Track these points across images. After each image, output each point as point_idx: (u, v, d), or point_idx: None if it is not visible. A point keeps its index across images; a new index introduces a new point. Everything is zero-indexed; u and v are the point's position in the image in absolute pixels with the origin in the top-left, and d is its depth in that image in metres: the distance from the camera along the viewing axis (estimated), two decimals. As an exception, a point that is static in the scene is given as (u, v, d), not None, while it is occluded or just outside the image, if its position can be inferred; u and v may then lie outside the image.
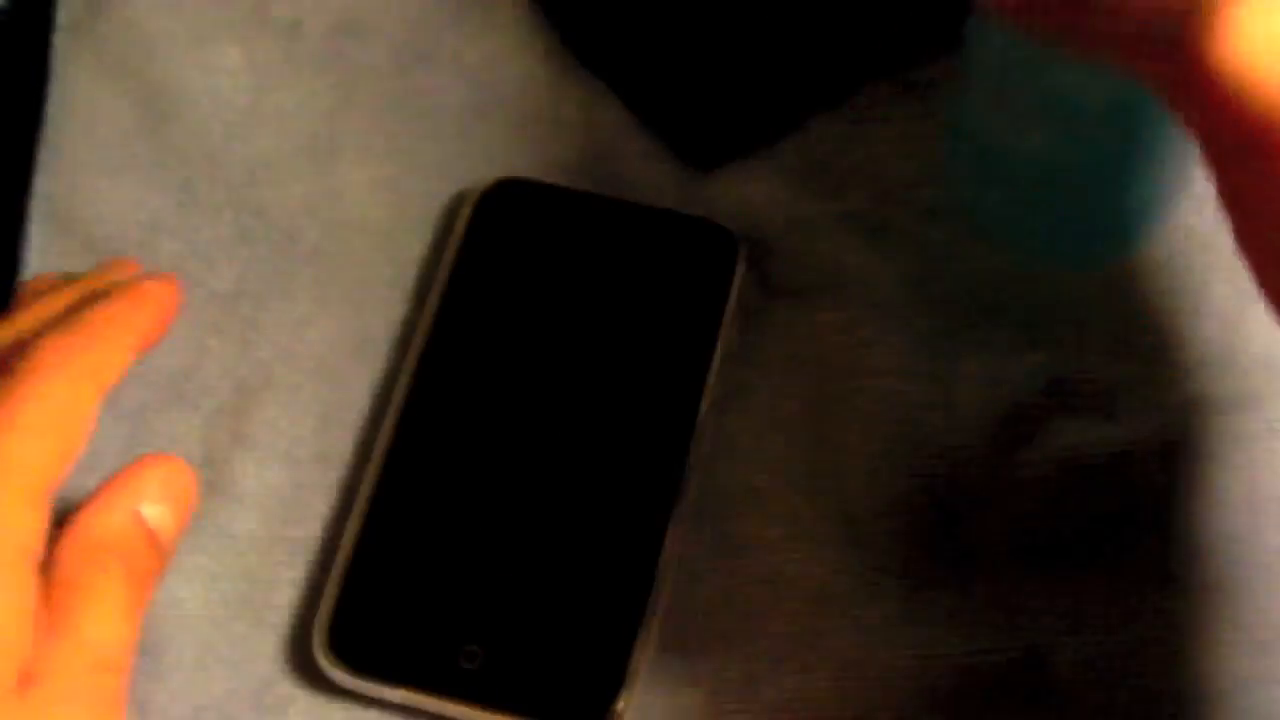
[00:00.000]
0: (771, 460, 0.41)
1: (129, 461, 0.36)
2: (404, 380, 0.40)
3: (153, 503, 0.36)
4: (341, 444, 0.41)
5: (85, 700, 0.33)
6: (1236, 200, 0.24)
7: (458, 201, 0.44)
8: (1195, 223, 0.43)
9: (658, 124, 0.45)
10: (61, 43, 0.46)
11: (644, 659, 0.37)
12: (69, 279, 0.42)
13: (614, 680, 0.37)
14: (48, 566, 0.34)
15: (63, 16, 0.47)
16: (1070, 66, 0.35)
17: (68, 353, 0.36)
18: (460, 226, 0.43)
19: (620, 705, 0.36)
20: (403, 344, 0.42)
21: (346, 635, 0.37)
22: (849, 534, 0.39)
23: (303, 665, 0.38)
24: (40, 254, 0.43)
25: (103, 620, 0.34)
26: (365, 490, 0.39)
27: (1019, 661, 0.38)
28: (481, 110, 0.45)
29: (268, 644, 0.38)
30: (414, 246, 0.44)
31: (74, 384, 0.35)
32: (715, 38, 0.46)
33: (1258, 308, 0.41)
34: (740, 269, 0.42)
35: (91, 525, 0.35)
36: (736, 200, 0.44)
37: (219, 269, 0.43)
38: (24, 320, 0.39)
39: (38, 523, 0.33)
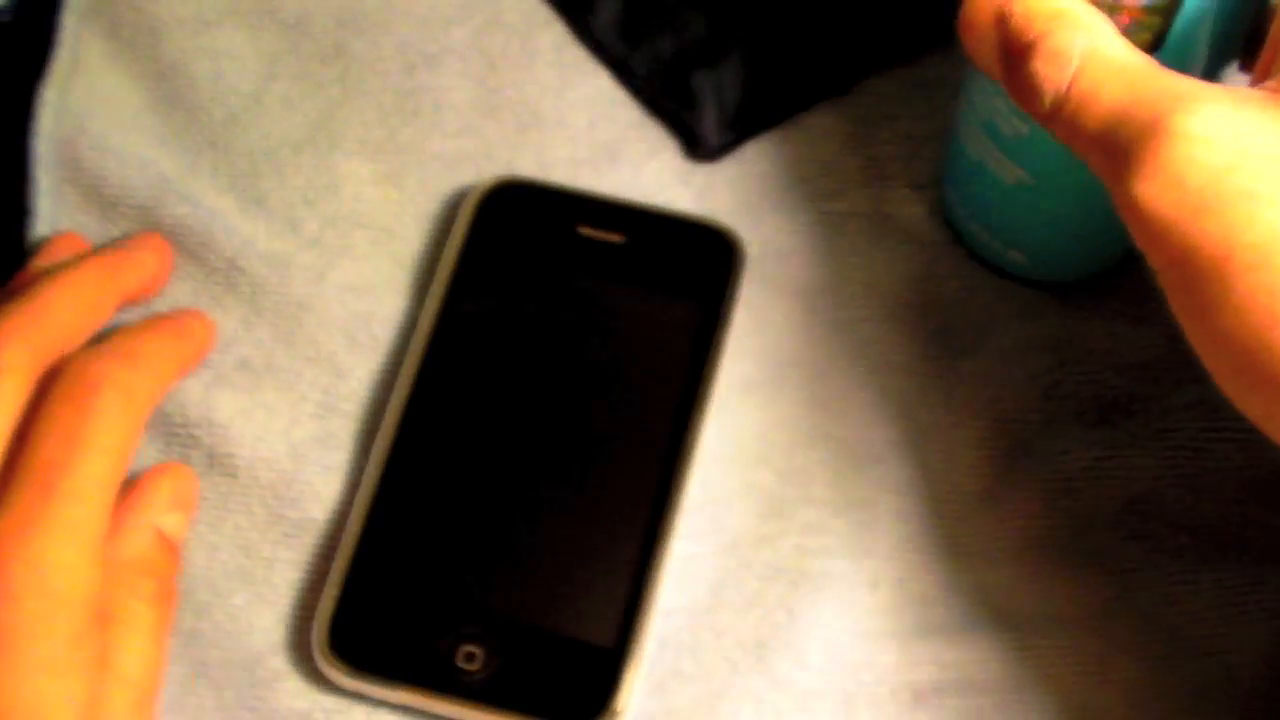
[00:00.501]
0: (771, 458, 0.41)
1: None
2: (405, 378, 0.40)
3: (166, 512, 0.38)
4: (341, 431, 0.41)
5: None
6: (1171, 301, 0.29)
7: (458, 200, 0.44)
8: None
9: (664, 111, 0.45)
10: (72, 24, 0.46)
11: (643, 657, 0.37)
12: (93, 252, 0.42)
13: (613, 679, 0.36)
14: None
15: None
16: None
17: (129, 393, 0.37)
18: (462, 225, 0.43)
19: (619, 704, 0.36)
20: (402, 340, 0.42)
21: (345, 635, 0.37)
22: (848, 531, 0.40)
23: (297, 644, 0.38)
24: (50, 203, 0.43)
25: (140, 651, 0.35)
26: (365, 490, 0.39)
27: (1009, 661, 0.38)
28: (485, 108, 0.46)
29: (264, 619, 0.38)
30: (413, 243, 0.44)
31: (133, 423, 0.37)
32: (723, 20, 0.46)
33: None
34: (740, 269, 0.42)
35: (120, 550, 0.36)
36: (738, 201, 0.44)
37: (219, 244, 0.43)
38: (55, 300, 0.38)
39: (99, 577, 0.34)
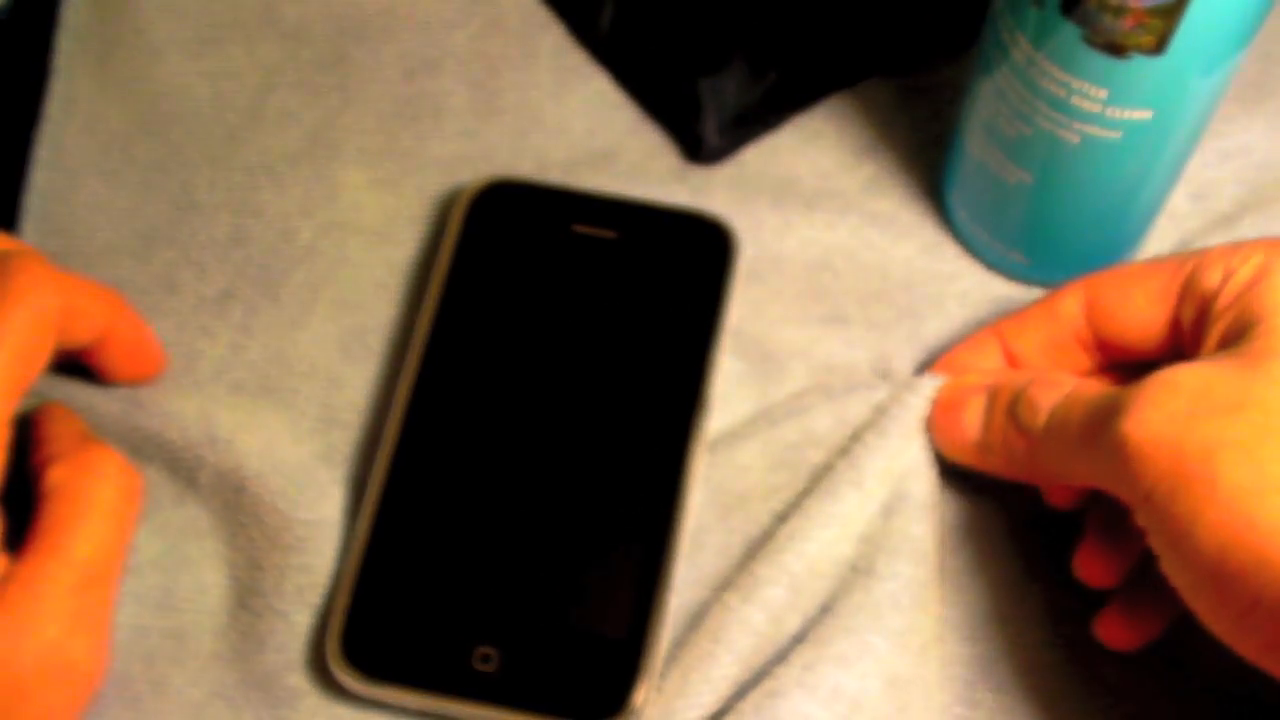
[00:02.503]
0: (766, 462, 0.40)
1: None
2: (405, 382, 0.40)
3: None
4: (343, 442, 0.41)
5: (69, 616, 0.34)
6: (1153, 540, 0.32)
7: (451, 202, 0.44)
8: (1192, 227, 0.44)
9: (663, 115, 0.45)
10: (66, 45, 0.46)
11: (659, 652, 0.37)
12: None
13: (630, 675, 0.36)
14: (41, 473, 0.35)
15: (69, 18, 0.47)
16: (1052, 111, 0.37)
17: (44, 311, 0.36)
18: (454, 227, 0.42)
19: (638, 699, 0.36)
20: (398, 345, 0.42)
21: (359, 642, 0.37)
22: (850, 511, 0.39)
23: (313, 660, 0.38)
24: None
25: (92, 534, 0.35)
26: (372, 495, 0.39)
27: (1000, 659, 0.38)
28: (484, 112, 0.46)
29: (279, 637, 0.38)
30: (408, 246, 0.44)
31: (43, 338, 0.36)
32: (723, 25, 0.46)
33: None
34: (735, 259, 0.42)
35: (88, 438, 0.36)
36: (736, 202, 0.44)
37: (211, 274, 0.43)
38: None
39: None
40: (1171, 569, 0.32)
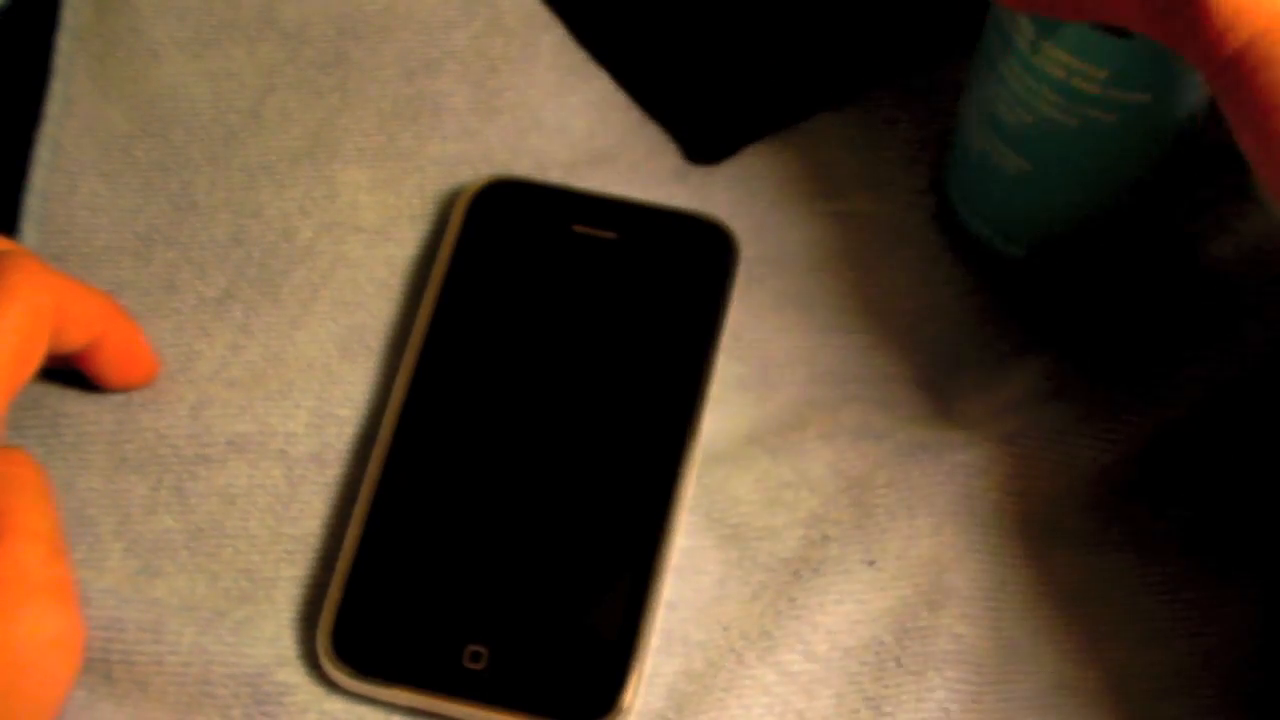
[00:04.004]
0: (766, 459, 0.40)
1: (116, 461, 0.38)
2: (401, 381, 0.40)
3: None
4: (337, 443, 0.41)
5: (49, 588, 0.34)
6: (1233, 113, 0.30)
7: (451, 201, 0.44)
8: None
9: (663, 115, 0.45)
10: (66, 45, 0.46)
11: (648, 652, 0.37)
12: None
13: (620, 674, 0.36)
14: None
15: (69, 18, 0.47)
16: (1052, 94, 0.37)
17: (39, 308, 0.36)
18: (454, 226, 0.42)
19: (627, 699, 0.36)
20: (396, 344, 0.42)
21: (350, 639, 0.37)
22: (848, 521, 0.39)
23: (303, 656, 0.38)
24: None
25: (41, 510, 0.35)
26: (365, 493, 0.39)
27: (999, 654, 0.38)
28: (484, 112, 0.46)
29: (268, 634, 0.38)
30: (408, 246, 0.44)
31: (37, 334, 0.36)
32: (724, 27, 0.46)
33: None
34: (735, 262, 0.42)
35: None
36: (736, 202, 0.44)
37: (210, 275, 0.43)
38: None
39: None
40: (1248, 141, 0.30)
